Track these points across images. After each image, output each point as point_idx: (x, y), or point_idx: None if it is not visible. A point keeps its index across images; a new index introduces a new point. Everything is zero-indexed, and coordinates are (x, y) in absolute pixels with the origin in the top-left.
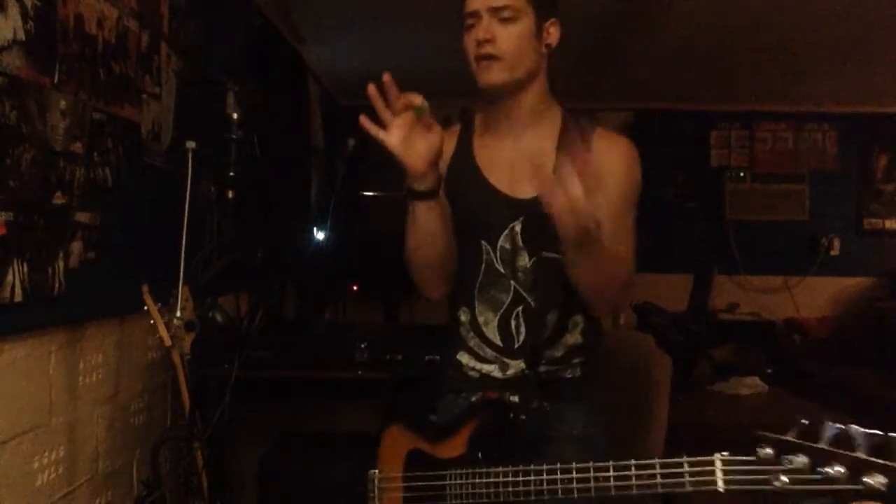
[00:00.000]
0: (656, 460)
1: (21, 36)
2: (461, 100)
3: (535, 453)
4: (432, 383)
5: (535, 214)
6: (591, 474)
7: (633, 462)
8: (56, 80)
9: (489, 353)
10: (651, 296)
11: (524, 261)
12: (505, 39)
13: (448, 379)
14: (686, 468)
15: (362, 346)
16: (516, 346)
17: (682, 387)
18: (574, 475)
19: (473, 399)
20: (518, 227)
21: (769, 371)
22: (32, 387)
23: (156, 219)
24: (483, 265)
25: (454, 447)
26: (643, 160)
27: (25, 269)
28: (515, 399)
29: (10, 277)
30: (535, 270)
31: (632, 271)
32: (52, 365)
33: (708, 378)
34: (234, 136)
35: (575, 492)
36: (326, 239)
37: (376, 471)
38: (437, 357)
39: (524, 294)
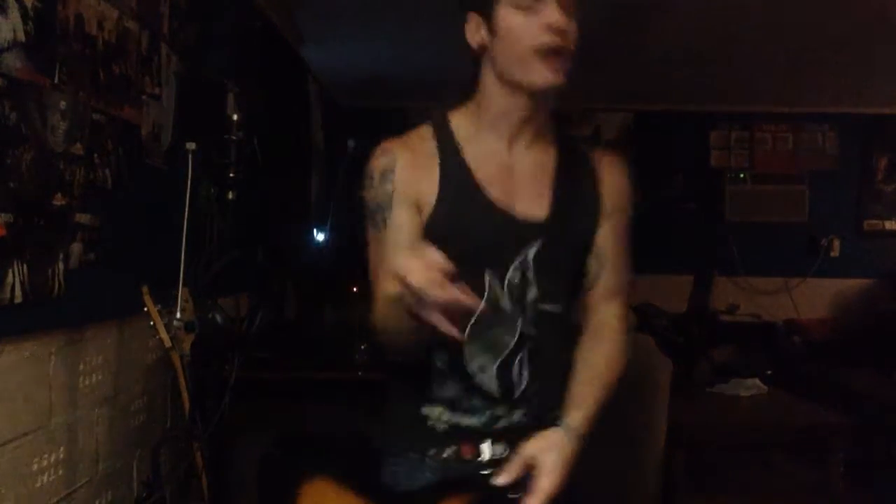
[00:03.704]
0: None
1: (21, 37)
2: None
3: None
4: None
5: (551, 238)
6: None
7: None
8: (56, 80)
9: (477, 403)
10: (651, 297)
11: (533, 295)
12: (572, 33)
13: (401, 437)
14: None
15: (362, 347)
16: (517, 393)
17: (682, 388)
18: None
19: (445, 455)
20: (531, 255)
21: (769, 372)
22: (32, 388)
23: (156, 220)
24: (483, 301)
25: None
26: (643, 161)
27: (25, 270)
28: (500, 451)
29: (9, 279)
30: (535, 307)
31: (626, 336)
32: (51, 366)
33: (708, 379)
34: (234, 137)
35: None
36: (326, 240)
37: None
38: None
39: (531, 334)
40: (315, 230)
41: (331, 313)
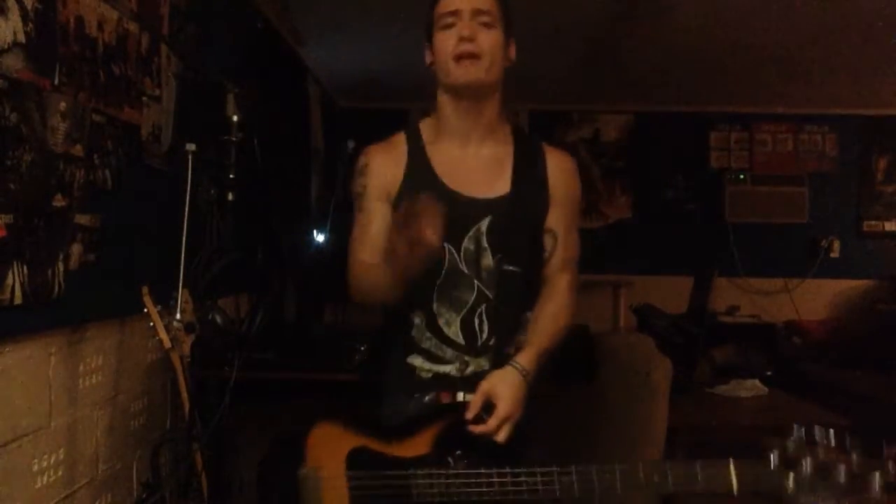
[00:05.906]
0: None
1: (21, 38)
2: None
3: (490, 449)
4: (370, 386)
5: (499, 213)
6: (595, 476)
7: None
8: (56, 82)
9: (449, 352)
10: (651, 298)
11: (488, 260)
12: (484, 41)
13: (394, 382)
14: (699, 471)
15: (362, 348)
16: (479, 343)
17: (682, 389)
18: (574, 476)
19: (427, 399)
20: (484, 227)
21: (769, 373)
22: (32, 389)
23: (156, 221)
24: (445, 268)
25: (415, 446)
26: (644, 161)
27: (25, 271)
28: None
29: (9, 279)
30: (497, 270)
31: (575, 298)
32: (51, 367)
33: (708, 380)
34: (233, 138)
35: (575, 489)
36: (326, 241)
37: (312, 469)
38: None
39: (487, 292)
40: (315, 230)
41: (330, 313)
